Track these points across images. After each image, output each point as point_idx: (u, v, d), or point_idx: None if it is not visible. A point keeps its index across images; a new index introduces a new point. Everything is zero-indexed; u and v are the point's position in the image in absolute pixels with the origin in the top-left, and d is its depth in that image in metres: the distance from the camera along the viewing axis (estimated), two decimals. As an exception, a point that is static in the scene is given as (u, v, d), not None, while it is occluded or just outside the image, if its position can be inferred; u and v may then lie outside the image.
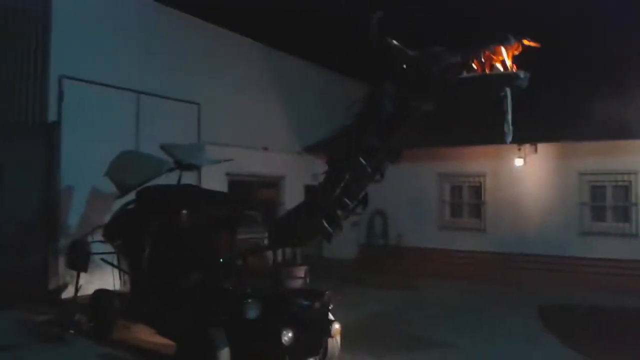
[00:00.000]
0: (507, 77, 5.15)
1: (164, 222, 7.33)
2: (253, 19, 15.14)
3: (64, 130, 10.96)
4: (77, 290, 8.87)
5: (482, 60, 5.32)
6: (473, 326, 9.32)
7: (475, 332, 8.95)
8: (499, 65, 5.31)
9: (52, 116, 10.92)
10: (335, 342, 6.57)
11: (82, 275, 10.74)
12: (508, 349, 8.03)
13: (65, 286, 10.85)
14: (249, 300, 6.01)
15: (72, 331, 8.15)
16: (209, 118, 13.91)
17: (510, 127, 5.03)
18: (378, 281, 13.22)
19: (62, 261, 10.89)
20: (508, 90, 5.11)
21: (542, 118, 14.39)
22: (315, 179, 17.57)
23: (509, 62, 5.29)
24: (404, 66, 5.62)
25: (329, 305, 6.39)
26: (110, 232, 9.06)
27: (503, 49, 5.25)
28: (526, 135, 14.63)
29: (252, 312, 5.99)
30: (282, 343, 5.88)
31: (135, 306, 7.89)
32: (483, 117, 14.70)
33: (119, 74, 11.91)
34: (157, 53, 12.95)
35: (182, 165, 8.58)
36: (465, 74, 5.36)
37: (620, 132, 13.43)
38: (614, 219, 14.23)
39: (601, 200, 14.41)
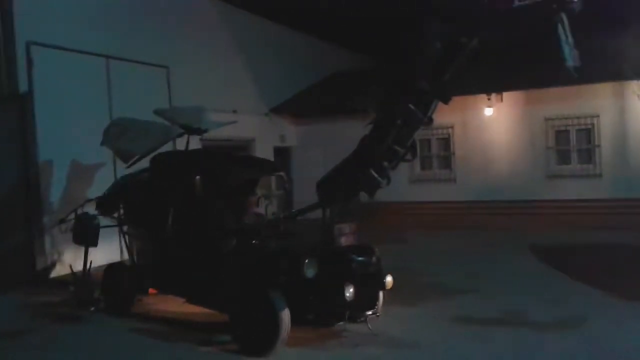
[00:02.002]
0: (561, 1, 5.15)
1: (193, 187, 6.98)
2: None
3: (37, 100, 10.23)
4: (86, 266, 8.40)
5: None
6: (481, 271, 9.60)
7: (487, 276, 9.24)
8: None
9: (22, 86, 10.13)
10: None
11: (64, 250, 10.30)
12: (528, 288, 8.32)
13: (53, 265, 10.31)
14: (307, 260, 5.88)
15: (92, 308, 7.76)
16: (179, 81, 13.33)
17: (574, 50, 5.05)
18: (363, 237, 13.30)
19: (48, 239, 10.34)
20: (564, 15, 5.12)
21: (505, 66, 14.71)
22: (284, 140, 17.54)
23: None
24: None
25: (381, 260, 6.37)
26: (111, 204, 8.61)
27: None
28: (492, 84, 15.05)
29: (311, 271, 5.88)
30: (345, 299, 5.83)
31: (159, 277, 7.57)
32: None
33: (86, 39, 11.17)
34: (124, 15, 12.26)
35: (190, 130, 8.18)
36: (517, 3, 5.33)
37: (581, 76, 13.95)
38: (578, 161, 14.94)
39: (566, 144, 15.07)
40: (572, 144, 15.01)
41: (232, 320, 6.15)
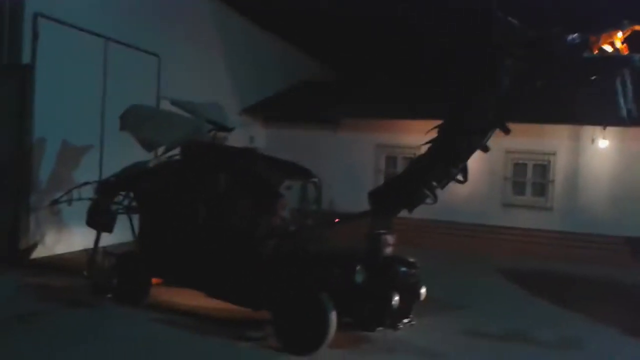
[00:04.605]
0: (627, 59, 5.75)
1: (236, 184, 7.07)
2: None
3: (38, 74, 9.86)
4: (96, 251, 8.18)
5: (600, 42, 5.90)
6: (465, 288, 10.19)
7: (473, 293, 9.85)
8: (608, 48, 5.94)
9: (25, 58, 9.74)
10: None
11: (49, 231, 9.98)
12: (517, 308, 8.98)
13: (35, 245, 9.93)
14: (359, 266, 6.17)
15: (109, 296, 7.61)
16: (167, 72, 13.18)
17: (632, 105, 5.65)
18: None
19: (33, 219, 9.93)
20: (627, 71, 5.73)
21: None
22: (252, 142, 17.57)
23: (620, 45, 5.94)
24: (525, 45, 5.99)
25: (419, 272, 6.75)
26: (116, 189, 8.50)
27: (620, 33, 5.88)
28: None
29: (360, 277, 6.17)
30: (391, 306, 6.15)
31: (175, 268, 7.51)
32: (425, 93, 15.83)
33: (88, 18, 10.87)
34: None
35: (219, 127, 8.19)
36: (587, 55, 5.89)
37: (543, 116, 15.10)
38: (532, 193, 16.04)
39: (522, 176, 16.14)
40: (527, 177, 16.10)
41: (277, 320, 6.30)
